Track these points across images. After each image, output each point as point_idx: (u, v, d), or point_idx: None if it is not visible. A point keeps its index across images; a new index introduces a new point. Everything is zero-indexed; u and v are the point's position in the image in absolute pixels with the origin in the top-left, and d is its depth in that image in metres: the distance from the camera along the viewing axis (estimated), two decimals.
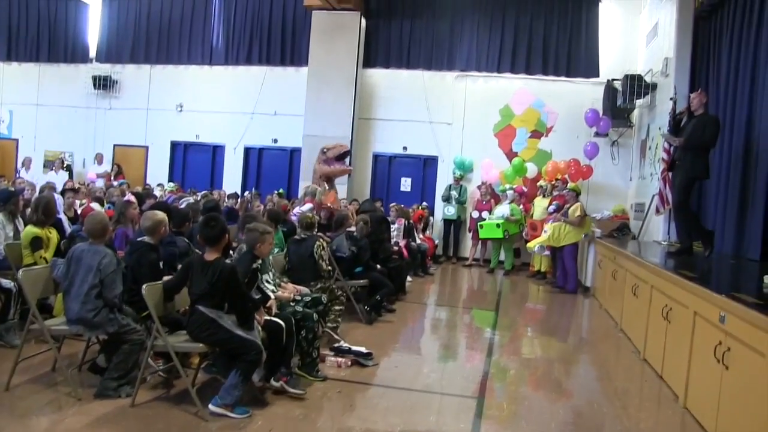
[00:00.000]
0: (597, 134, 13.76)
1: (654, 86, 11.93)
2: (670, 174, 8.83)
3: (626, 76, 12.40)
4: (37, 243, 6.24)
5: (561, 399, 5.64)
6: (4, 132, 17.97)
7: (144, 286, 4.62)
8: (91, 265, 4.79)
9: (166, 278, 5.02)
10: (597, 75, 14.01)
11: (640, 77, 12.23)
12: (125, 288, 4.99)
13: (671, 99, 9.51)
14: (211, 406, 4.51)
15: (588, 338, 8.61)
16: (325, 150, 11.47)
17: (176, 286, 4.85)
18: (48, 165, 16.76)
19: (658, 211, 10.42)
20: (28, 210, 6.85)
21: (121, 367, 4.80)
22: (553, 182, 12.95)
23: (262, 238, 5.30)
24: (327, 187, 11.06)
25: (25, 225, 6.67)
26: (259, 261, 5.30)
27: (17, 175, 14.42)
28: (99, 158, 16.41)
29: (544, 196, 12.78)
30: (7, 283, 5.92)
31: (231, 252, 5.91)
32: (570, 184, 12.16)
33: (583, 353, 7.64)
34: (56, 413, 4.47)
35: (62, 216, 8.08)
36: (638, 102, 12.64)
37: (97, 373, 5.04)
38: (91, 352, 5.38)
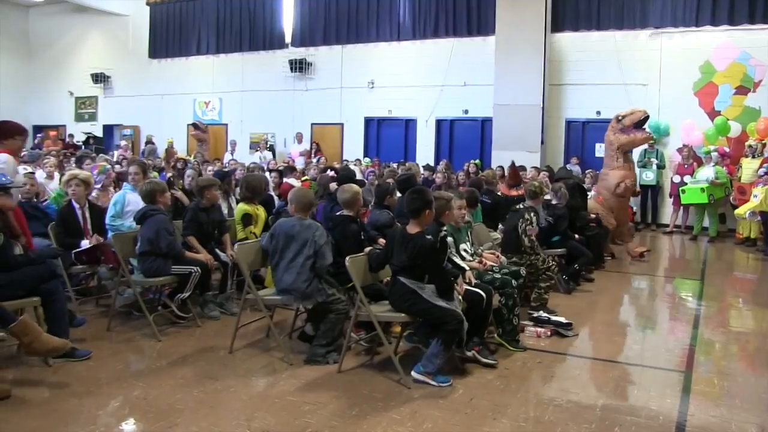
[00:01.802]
0: None
1: None
2: None
3: None
4: (247, 219, 6.82)
5: None
6: (216, 118, 19.57)
7: (347, 258, 4.87)
8: (306, 238, 5.13)
9: (368, 249, 5.28)
10: None
11: None
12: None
13: None
14: (413, 373, 4.69)
15: None
16: (619, 117, 10.37)
17: (382, 259, 5.04)
18: (253, 146, 18.06)
19: None
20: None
21: (328, 335, 5.13)
22: (764, 141, 11.97)
23: (447, 206, 5.34)
24: (621, 161, 10.38)
25: (237, 203, 7.31)
26: (445, 229, 5.32)
27: (227, 157, 15.61)
28: (299, 137, 17.43)
29: (753, 157, 11.85)
30: (225, 256, 6.49)
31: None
32: None
33: None
34: (272, 376, 4.89)
35: (272, 193, 8.69)
36: None
37: (306, 341, 5.42)
38: (299, 321, 5.82)
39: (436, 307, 4.68)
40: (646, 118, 10.31)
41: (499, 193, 9.62)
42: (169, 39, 20.28)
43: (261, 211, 7.06)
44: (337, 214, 5.85)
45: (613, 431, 4.01)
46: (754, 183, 11.14)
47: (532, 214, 6.83)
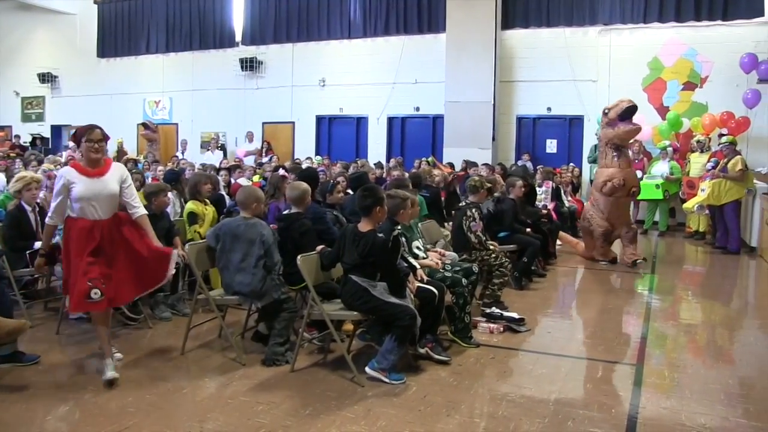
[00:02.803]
0: (760, 80, 12.68)
1: None
2: None
3: None
4: (192, 218, 6.70)
5: (728, 367, 5.32)
6: (166, 118, 19.28)
7: (299, 257, 4.78)
8: (252, 238, 5.05)
9: (320, 247, 5.18)
10: (761, 14, 12.84)
11: None
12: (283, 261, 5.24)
13: None
14: (367, 370, 4.64)
15: (756, 302, 8.08)
16: (606, 111, 9.44)
17: (334, 257, 4.96)
18: (204, 146, 17.80)
19: None
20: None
21: (284, 333, 5.05)
22: (710, 136, 12.17)
23: (403, 204, 5.26)
24: (614, 158, 9.25)
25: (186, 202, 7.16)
26: (399, 227, 5.26)
27: (177, 157, 15.30)
28: (250, 136, 17.25)
29: (702, 152, 12.02)
30: (176, 257, 6.30)
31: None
32: (726, 137, 11.32)
33: (751, 318, 7.16)
34: (224, 376, 4.77)
35: (223, 192, 8.50)
36: None
37: (260, 341, 5.33)
38: (251, 321, 5.71)
39: (388, 304, 4.62)
40: (632, 108, 9.13)
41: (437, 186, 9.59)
42: (117, 38, 19.95)
43: (209, 211, 6.90)
44: (285, 212, 5.76)
45: (566, 425, 3.97)
46: (702, 177, 11.30)
47: (474, 210, 6.78)
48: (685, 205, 11.72)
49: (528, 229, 8.29)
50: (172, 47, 19.12)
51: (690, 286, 8.59)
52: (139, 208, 4.78)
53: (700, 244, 11.55)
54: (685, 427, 3.97)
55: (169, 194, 6.75)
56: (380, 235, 4.71)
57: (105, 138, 4.60)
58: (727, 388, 4.68)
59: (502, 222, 7.85)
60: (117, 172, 4.70)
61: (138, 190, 7.31)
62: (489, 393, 4.54)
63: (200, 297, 5.26)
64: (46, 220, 4.67)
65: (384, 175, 12.05)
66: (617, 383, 4.81)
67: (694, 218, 12.00)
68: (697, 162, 11.91)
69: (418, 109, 16.22)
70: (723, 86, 13.18)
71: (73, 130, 4.81)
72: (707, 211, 11.34)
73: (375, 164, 13.64)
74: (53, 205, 4.59)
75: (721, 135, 11.78)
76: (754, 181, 10.87)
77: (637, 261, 9.20)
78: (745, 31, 13.07)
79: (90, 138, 4.54)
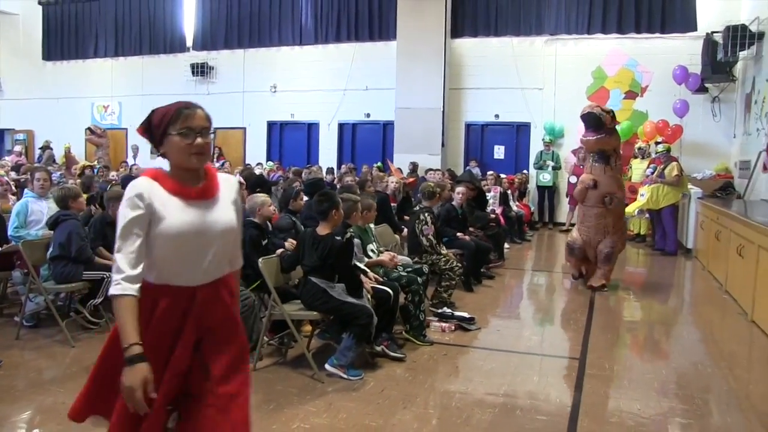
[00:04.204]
0: (697, 91, 13.29)
1: (761, 35, 11.33)
2: None
3: (728, 27, 11.81)
4: None
5: (664, 360, 5.68)
6: (115, 123, 19.10)
7: (260, 260, 4.95)
8: None
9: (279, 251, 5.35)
10: (695, 29, 13.47)
11: (744, 27, 11.63)
12: None
13: None
14: (327, 366, 4.84)
15: (691, 300, 8.52)
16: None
17: (294, 260, 5.15)
18: (153, 151, 17.56)
19: (765, 168, 10.07)
20: None
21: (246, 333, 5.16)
22: (648, 143, 12.71)
23: (354, 207, 5.54)
24: (590, 163, 8.32)
25: None
26: (351, 230, 5.45)
27: (128, 163, 15.23)
28: None
29: (642, 158, 12.54)
30: None
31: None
32: (663, 145, 11.84)
33: (687, 315, 7.59)
34: None
35: None
36: (742, 54, 12.05)
37: None
38: None
39: (346, 304, 4.84)
40: (583, 117, 8.10)
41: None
42: (64, 40, 19.68)
43: None
44: (242, 219, 5.93)
45: (514, 414, 4.24)
46: (642, 182, 11.79)
47: (426, 215, 7.03)
48: (626, 209, 12.17)
49: (469, 232, 8.53)
50: (121, 51, 18.97)
51: (631, 286, 8.97)
52: (240, 256, 2.74)
53: (641, 246, 12.04)
54: (622, 413, 4.28)
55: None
56: (338, 238, 4.91)
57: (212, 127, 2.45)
58: (661, 378, 5.02)
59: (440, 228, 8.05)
60: (230, 189, 2.55)
61: (94, 197, 7.43)
62: (442, 387, 4.78)
63: None
64: (115, 289, 2.26)
65: (335, 181, 12.24)
66: (561, 376, 5.12)
67: (636, 222, 12.50)
68: (639, 168, 12.43)
69: (368, 115, 16.44)
70: (661, 96, 13.72)
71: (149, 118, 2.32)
72: (647, 215, 11.86)
73: (326, 170, 13.84)
74: (123, 256, 2.27)
75: (658, 143, 12.29)
76: (689, 186, 11.41)
77: (603, 288, 8.22)
78: (680, 44, 13.66)
79: (189, 125, 2.35)
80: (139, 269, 2.27)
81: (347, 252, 5.01)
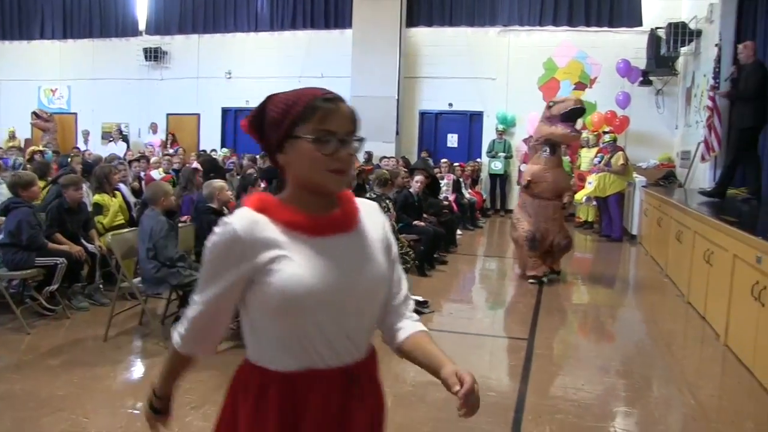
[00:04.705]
0: (642, 84, 13.76)
1: (699, 33, 11.87)
2: (717, 122, 9.07)
3: (670, 23, 12.35)
4: (96, 209, 6.93)
5: (607, 340, 6.01)
6: (64, 107, 18.74)
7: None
8: (146, 230, 5.37)
9: None
10: (640, 24, 13.93)
11: (684, 24, 12.18)
12: (196, 249, 5.56)
13: (716, 45, 9.55)
14: None
15: (634, 284, 8.89)
16: (550, 104, 8.10)
17: None
18: (105, 137, 17.50)
19: (703, 158, 10.52)
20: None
21: None
22: (597, 133, 13.10)
23: None
24: (541, 154, 8.02)
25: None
26: None
27: (78, 148, 15.04)
28: (154, 128, 17.13)
29: (589, 147, 12.93)
30: (93, 247, 6.47)
31: None
32: (609, 135, 12.25)
33: (630, 298, 7.95)
34: (149, 359, 5.05)
35: (121, 186, 8.33)
36: (683, 50, 12.60)
37: None
38: (172, 308, 5.96)
39: None
40: (578, 110, 7.88)
41: None
42: (6, 20, 18.98)
43: (115, 202, 7.08)
44: (200, 205, 6.11)
45: None
46: (590, 171, 12.18)
47: (388, 201, 7.22)
48: (575, 197, 12.58)
49: (423, 219, 8.77)
50: (70, 34, 18.48)
51: (578, 272, 9.30)
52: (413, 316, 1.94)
53: (589, 233, 12.44)
54: (567, 389, 4.55)
55: (84, 186, 6.88)
56: None
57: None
58: (604, 357, 5.33)
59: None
60: (375, 220, 1.76)
61: (50, 182, 7.36)
62: (397, 367, 4.95)
63: (123, 285, 5.49)
64: (178, 342, 1.77)
65: None
66: (511, 356, 5.39)
67: (583, 209, 12.90)
68: (586, 157, 12.83)
69: None
70: (609, 87, 14.14)
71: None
72: (594, 203, 12.28)
73: None
74: (194, 318, 1.68)
75: (605, 132, 12.70)
76: (634, 175, 11.84)
77: (541, 278, 7.95)
78: (627, 38, 14.09)
79: (329, 127, 1.55)
80: (205, 343, 1.77)
81: None
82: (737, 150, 8.35)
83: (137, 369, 4.89)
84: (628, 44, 13.99)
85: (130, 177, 8.91)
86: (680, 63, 13.49)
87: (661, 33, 12.82)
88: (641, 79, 13.74)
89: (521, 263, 8.29)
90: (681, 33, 12.09)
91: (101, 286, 6.60)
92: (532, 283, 7.75)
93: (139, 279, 5.58)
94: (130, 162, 9.97)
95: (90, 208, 6.99)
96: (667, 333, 6.20)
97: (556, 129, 7.77)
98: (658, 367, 5.18)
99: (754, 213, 7.50)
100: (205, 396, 4.25)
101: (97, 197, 6.95)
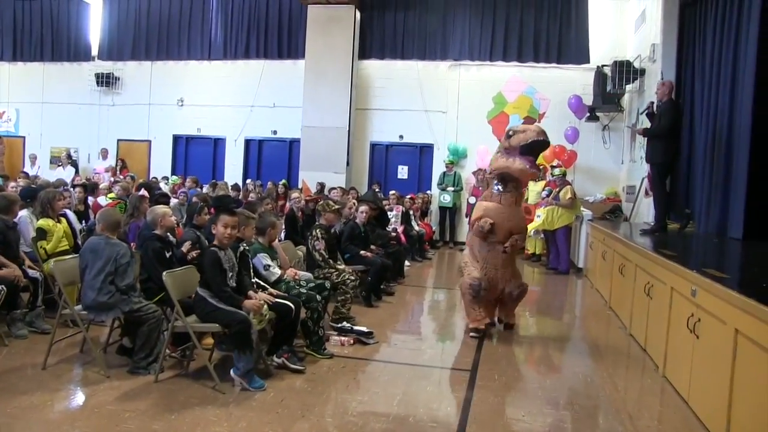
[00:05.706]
0: (589, 119, 14.09)
1: (642, 71, 12.27)
2: None
3: (615, 62, 12.75)
4: (40, 234, 6.78)
5: (550, 371, 6.07)
6: (12, 130, 18.39)
7: (164, 273, 5.06)
8: (109, 256, 5.25)
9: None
10: (587, 61, 14.35)
11: (629, 63, 12.58)
12: (141, 277, 5.50)
13: (660, 82, 9.86)
14: (232, 373, 4.99)
15: (580, 316, 9.02)
16: (510, 133, 6.96)
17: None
18: (54, 161, 17.20)
19: (647, 193, 10.78)
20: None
21: (146, 347, 5.24)
22: (543, 167, 13.33)
23: (245, 222, 5.75)
24: (494, 189, 7.13)
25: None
26: (244, 243, 5.67)
27: (26, 173, 14.72)
28: (104, 153, 16.90)
29: (536, 181, 13.13)
30: (35, 273, 6.36)
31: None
32: (558, 169, 12.51)
33: (575, 330, 8.06)
34: (89, 387, 4.93)
35: (67, 211, 8.20)
36: (628, 87, 13.01)
37: (125, 354, 5.48)
38: (114, 336, 5.83)
39: (219, 311, 5.01)
40: (541, 143, 6.81)
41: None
42: None
43: (59, 228, 6.96)
44: (146, 232, 6.07)
45: (407, 421, 4.48)
46: (538, 204, 12.37)
47: (318, 231, 7.26)
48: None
49: (371, 250, 8.80)
50: (20, 56, 18.23)
51: (526, 304, 9.37)
52: None
53: (536, 266, 12.59)
54: (507, 418, 4.60)
55: (24, 210, 6.77)
56: (213, 249, 5.14)
57: None
58: (546, 388, 5.38)
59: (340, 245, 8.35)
60: None
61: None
62: (340, 397, 4.96)
63: (65, 312, 5.37)
64: None
65: (240, 197, 12.27)
66: (454, 386, 5.42)
67: (531, 242, 13.06)
68: (534, 190, 13.02)
69: (275, 132, 16.52)
70: (557, 122, 14.45)
71: None
72: (542, 236, 12.45)
73: (232, 186, 13.85)
74: None
75: (553, 167, 12.94)
76: (582, 208, 12.08)
77: (483, 330, 6.99)
78: (575, 74, 14.50)
79: None
80: None
81: (209, 263, 5.09)
82: (654, 185, 8.74)
83: (77, 398, 4.76)
84: (575, 80, 14.39)
85: (74, 201, 8.79)
86: (626, 100, 13.86)
87: (608, 70, 13.20)
88: (588, 114, 14.08)
89: (466, 312, 7.32)
90: (626, 71, 12.47)
91: (43, 312, 6.43)
92: (473, 336, 6.85)
93: (80, 306, 5.46)
94: (73, 186, 9.82)
95: (33, 234, 6.85)
96: (610, 364, 6.28)
97: (513, 163, 6.80)
98: (600, 398, 5.25)
99: (689, 247, 7.70)
100: (145, 424, 4.21)
101: (41, 222, 6.82)
